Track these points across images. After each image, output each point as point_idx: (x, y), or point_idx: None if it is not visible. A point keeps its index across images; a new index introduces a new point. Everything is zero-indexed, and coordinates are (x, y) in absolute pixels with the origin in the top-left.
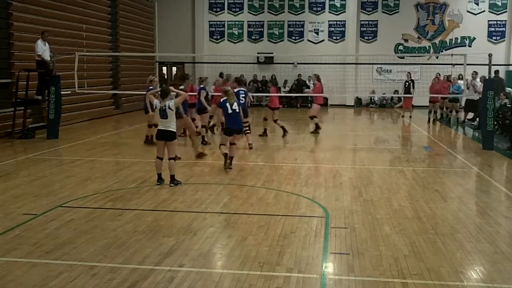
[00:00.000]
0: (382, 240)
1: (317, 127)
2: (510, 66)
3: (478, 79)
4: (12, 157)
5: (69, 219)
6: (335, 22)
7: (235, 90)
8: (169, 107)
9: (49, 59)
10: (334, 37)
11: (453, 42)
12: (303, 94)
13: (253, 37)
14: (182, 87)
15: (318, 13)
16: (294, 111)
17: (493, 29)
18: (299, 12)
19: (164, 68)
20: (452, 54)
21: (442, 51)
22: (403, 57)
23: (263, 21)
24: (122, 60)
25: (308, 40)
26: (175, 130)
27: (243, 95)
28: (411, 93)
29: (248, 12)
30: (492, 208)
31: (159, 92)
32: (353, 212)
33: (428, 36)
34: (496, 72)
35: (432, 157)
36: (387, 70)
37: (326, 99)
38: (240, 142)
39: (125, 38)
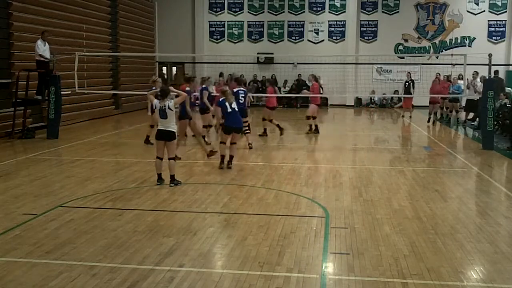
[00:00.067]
0: (382, 240)
1: (311, 128)
2: (510, 66)
3: (478, 79)
4: (12, 157)
5: (69, 219)
6: (335, 22)
7: (235, 90)
8: (168, 107)
9: (49, 57)
10: (334, 37)
11: (453, 42)
12: (299, 95)
13: (253, 37)
14: (188, 88)
15: (318, 13)
16: (294, 111)
17: (493, 29)
18: (299, 12)
19: (164, 68)
20: (452, 54)
21: (442, 51)
22: (403, 57)
23: (263, 21)
24: (122, 60)
25: (308, 40)
26: (175, 130)
27: (243, 95)
28: (411, 93)
29: (248, 12)
30: (492, 208)
31: (159, 92)
32: (353, 212)
33: (428, 36)
34: (496, 72)
35: (432, 157)
36: (387, 70)
37: (326, 99)
38: (240, 142)
39: (125, 38)
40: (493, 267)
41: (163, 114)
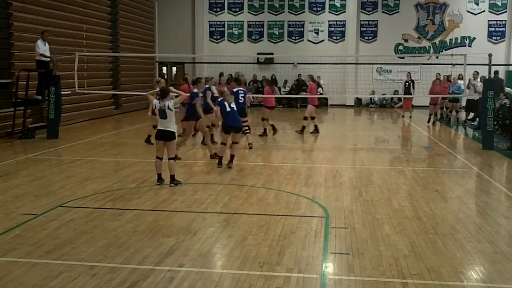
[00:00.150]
0: (382, 240)
1: (304, 128)
2: (510, 66)
3: (478, 79)
4: (12, 157)
5: (69, 219)
6: (335, 22)
7: (234, 90)
8: (168, 107)
9: (49, 56)
10: (334, 37)
11: (453, 42)
12: (297, 96)
13: (253, 37)
14: (195, 90)
15: (318, 13)
16: (294, 111)
17: (493, 29)
18: (299, 12)
19: (164, 68)
20: (452, 54)
21: (442, 51)
22: (403, 57)
23: (263, 21)
24: (122, 60)
25: (308, 40)
26: (174, 130)
27: (242, 95)
28: (411, 93)
29: (248, 12)
30: (492, 208)
31: (159, 92)
32: (353, 212)
33: (428, 36)
34: (496, 72)
35: (432, 157)
36: (387, 70)
37: (326, 99)
38: (240, 142)
39: (125, 38)
40: (493, 267)
41: (163, 114)
